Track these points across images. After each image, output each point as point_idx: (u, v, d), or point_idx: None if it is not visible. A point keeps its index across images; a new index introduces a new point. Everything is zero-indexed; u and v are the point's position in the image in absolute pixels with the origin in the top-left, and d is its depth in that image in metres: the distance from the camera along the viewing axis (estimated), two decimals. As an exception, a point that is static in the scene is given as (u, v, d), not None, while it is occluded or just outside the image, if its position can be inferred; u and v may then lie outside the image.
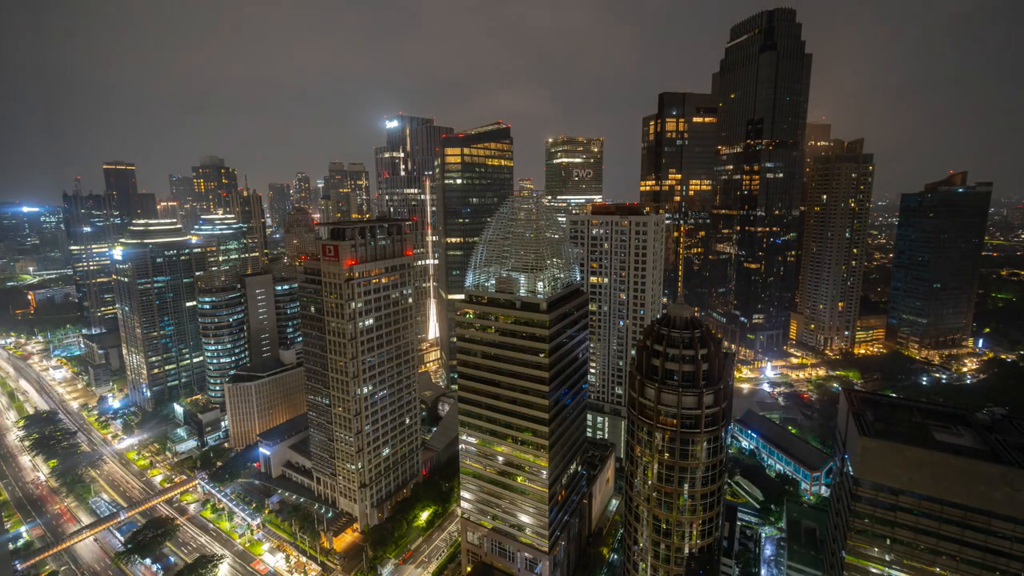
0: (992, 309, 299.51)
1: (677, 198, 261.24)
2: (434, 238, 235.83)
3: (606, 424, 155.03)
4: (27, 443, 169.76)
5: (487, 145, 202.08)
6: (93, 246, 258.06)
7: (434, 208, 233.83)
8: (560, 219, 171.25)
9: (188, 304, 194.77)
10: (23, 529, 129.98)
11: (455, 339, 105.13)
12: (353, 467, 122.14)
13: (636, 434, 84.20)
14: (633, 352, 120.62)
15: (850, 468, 71.67)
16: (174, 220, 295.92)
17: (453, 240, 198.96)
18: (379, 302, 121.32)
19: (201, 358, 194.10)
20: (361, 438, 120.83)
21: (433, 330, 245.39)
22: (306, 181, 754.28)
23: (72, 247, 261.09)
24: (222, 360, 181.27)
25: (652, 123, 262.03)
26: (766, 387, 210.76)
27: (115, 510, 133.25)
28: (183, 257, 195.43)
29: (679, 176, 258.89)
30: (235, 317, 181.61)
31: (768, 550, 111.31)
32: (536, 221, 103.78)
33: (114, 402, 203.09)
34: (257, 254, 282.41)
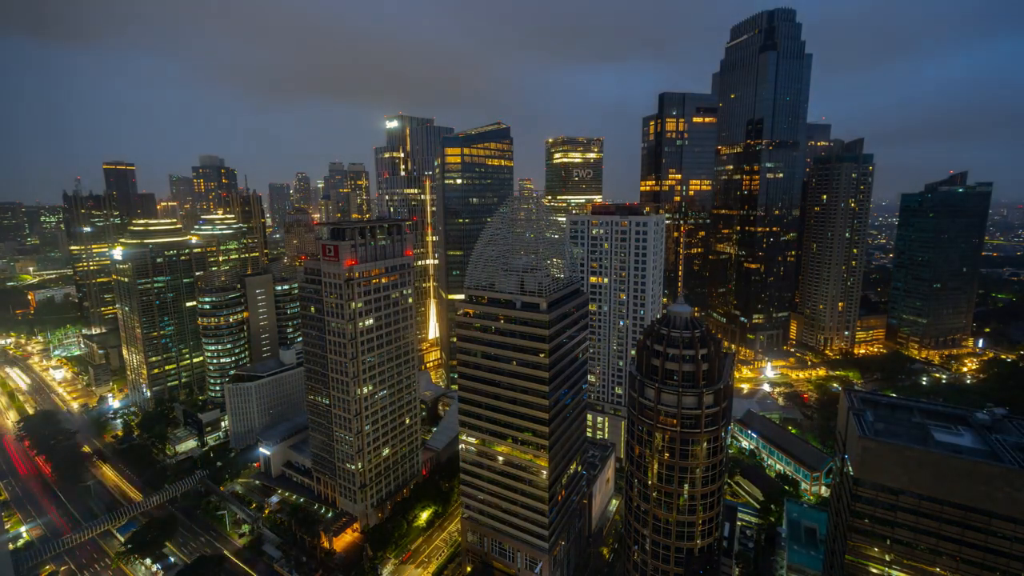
0: (992, 309, 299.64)
1: (677, 198, 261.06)
2: (434, 238, 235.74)
3: (606, 424, 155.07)
4: (27, 443, 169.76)
5: (487, 145, 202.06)
6: (93, 246, 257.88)
7: (434, 208, 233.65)
8: (560, 219, 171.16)
9: (188, 304, 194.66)
10: (23, 529, 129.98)
11: (455, 339, 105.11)
12: (353, 467, 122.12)
13: (636, 434, 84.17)
14: (633, 352, 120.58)
15: (850, 468, 71.59)
16: (174, 220, 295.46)
17: (453, 240, 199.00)
18: (379, 302, 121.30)
19: (201, 358, 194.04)
20: (361, 438, 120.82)
21: (433, 330, 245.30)
22: (306, 181, 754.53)
23: (72, 247, 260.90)
24: (222, 360, 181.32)
25: (652, 123, 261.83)
26: (766, 387, 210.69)
27: (115, 510, 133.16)
28: (183, 257, 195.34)
29: (679, 176, 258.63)
30: (235, 317, 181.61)
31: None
32: (536, 221, 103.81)
33: (114, 402, 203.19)
34: (257, 254, 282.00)
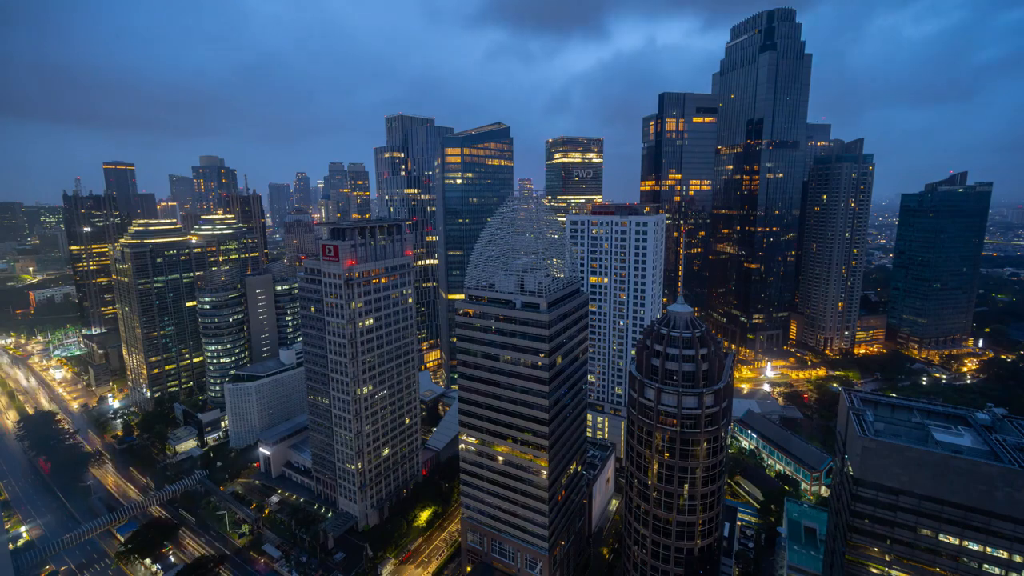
0: (992, 309, 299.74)
1: (677, 198, 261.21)
2: (434, 238, 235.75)
3: (606, 424, 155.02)
4: (27, 443, 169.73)
5: (487, 145, 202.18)
6: (93, 246, 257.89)
7: (434, 208, 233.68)
8: (560, 219, 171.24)
9: (188, 304, 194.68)
10: (23, 529, 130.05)
11: (455, 339, 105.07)
12: (353, 467, 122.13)
13: (636, 434, 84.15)
14: (633, 352, 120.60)
15: (850, 468, 71.55)
16: (174, 220, 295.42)
17: (453, 240, 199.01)
18: (379, 302, 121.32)
19: (201, 358, 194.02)
20: (361, 438, 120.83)
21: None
22: (305, 181, 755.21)
23: (72, 247, 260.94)
24: (222, 360, 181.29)
25: (652, 123, 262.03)
26: (766, 387, 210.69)
27: (115, 510, 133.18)
28: (183, 257, 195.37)
29: (679, 176, 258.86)
30: (235, 317, 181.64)
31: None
32: (536, 221, 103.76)
33: (114, 402, 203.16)
34: (257, 254, 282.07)
